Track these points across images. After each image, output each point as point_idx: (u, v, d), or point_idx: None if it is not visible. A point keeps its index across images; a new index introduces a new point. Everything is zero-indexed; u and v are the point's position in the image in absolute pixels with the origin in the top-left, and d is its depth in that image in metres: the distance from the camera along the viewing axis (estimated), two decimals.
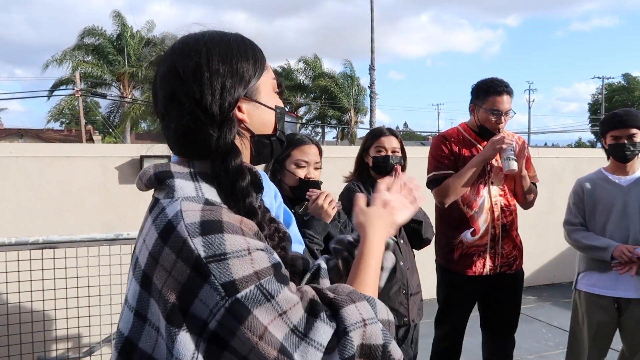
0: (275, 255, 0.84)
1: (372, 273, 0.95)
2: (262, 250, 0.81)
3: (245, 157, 0.95)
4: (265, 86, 0.95)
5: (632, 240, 2.55)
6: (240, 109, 0.91)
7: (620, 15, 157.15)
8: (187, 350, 0.79)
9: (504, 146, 2.55)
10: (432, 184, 2.76)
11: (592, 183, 2.72)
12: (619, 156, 2.62)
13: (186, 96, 0.87)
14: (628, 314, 2.59)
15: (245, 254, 0.78)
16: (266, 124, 0.95)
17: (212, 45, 0.89)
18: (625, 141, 2.58)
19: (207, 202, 0.84)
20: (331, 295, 0.84)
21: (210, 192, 0.87)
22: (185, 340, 0.79)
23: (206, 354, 0.80)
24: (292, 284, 0.83)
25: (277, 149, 1.00)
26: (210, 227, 0.78)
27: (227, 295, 0.76)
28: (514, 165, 2.57)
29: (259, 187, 0.94)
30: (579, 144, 50.93)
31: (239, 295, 0.76)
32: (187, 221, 0.79)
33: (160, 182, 0.88)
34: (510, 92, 2.67)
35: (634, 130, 2.57)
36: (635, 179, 2.64)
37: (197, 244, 0.77)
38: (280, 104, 0.99)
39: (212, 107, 0.87)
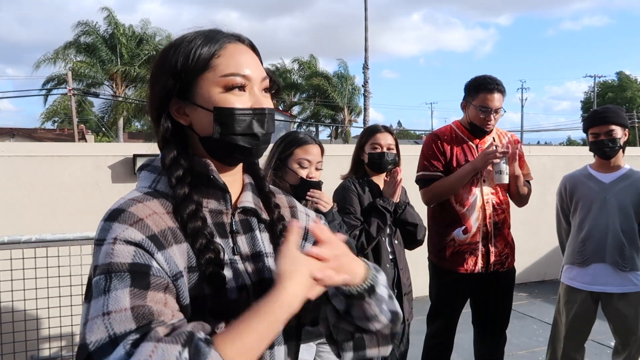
0: (157, 258, 0.82)
1: (252, 335, 0.77)
2: (132, 244, 0.81)
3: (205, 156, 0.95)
4: (206, 86, 0.90)
5: (611, 237, 2.59)
6: (181, 111, 0.93)
7: (610, 14, 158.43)
8: (81, 325, 0.84)
9: (496, 161, 2.56)
10: (419, 182, 2.80)
11: (574, 180, 2.78)
12: (600, 153, 2.66)
13: (147, 97, 0.99)
14: (613, 309, 2.64)
15: (110, 242, 0.81)
16: (204, 125, 0.91)
17: (162, 49, 0.96)
18: (604, 138, 2.61)
19: (148, 193, 0.90)
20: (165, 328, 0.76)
21: (164, 185, 0.92)
22: (83, 312, 0.85)
23: None
24: (158, 295, 0.79)
25: (236, 152, 0.92)
26: (112, 214, 0.85)
27: (92, 277, 0.81)
28: (505, 180, 2.59)
29: (214, 186, 0.93)
30: (570, 142, 51.20)
31: (93, 280, 0.80)
32: (110, 207, 0.87)
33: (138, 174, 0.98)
34: (501, 91, 2.68)
35: (613, 127, 2.59)
36: (619, 176, 2.67)
37: (99, 227, 0.85)
38: (228, 104, 0.90)
39: (151, 108, 0.96)
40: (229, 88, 0.91)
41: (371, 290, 0.94)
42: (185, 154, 0.93)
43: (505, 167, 2.57)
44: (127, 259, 0.79)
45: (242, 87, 0.92)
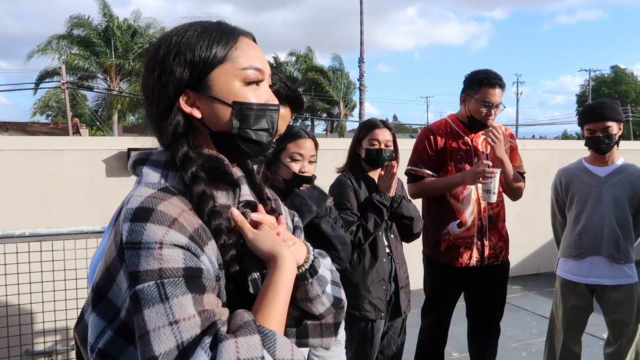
0: (203, 260, 0.81)
1: (280, 305, 0.84)
2: (181, 248, 0.78)
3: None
4: (225, 79, 0.88)
5: (607, 230, 2.61)
6: (190, 103, 0.89)
7: (604, 9, 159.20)
8: (92, 337, 0.82)
9: (483, 181, 2.55)
10: (407, 175, 2.82)
11: (570, 174, 2.79)
12: (595, 149, 2.66)
13: (145, 89, 0.92)
14: (606, 300, 2.67)
15: (155, 247, 0.76)
16: (221, 120, 0.89)
17: (167, 39, 0.90)
18: (600, 135, 2.60)
19: (162, 189, 0.85)
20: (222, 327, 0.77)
21: (175, 180, 0.88)
22: (94, 324, 0.82)
23: (109, 344, 0.81)
24: (211, 297, 0.79)
25: (250, 148, 0.92)
26: (140, 214, 0.79)
27: (130, 284, 0.76)
28: (492, 199, 2.59)
29: (224, 181, 0.92)
30: (565, 136, 51.35)
31: (137, 288, 0.75)
32: (128, 205, 0.81)
33: (135, 168, 0.92)
34: (502, 86, 2.69)
35: (609, 123, 2.58)
36: (613, 169, 2.68)
37: (124, 229, 0.79)
38: (248, 99, 0.89)
39: (158, 100, 0.89)
40: (247, 82, 0.89)
41: (313, 270, 0.97)
42: (195, 149, 0.90)
43: (493, 187, 2.55)
44: (180, 263, 0.77)
45: (258, 82, 0.91)
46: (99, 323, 0.82)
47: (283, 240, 0.91)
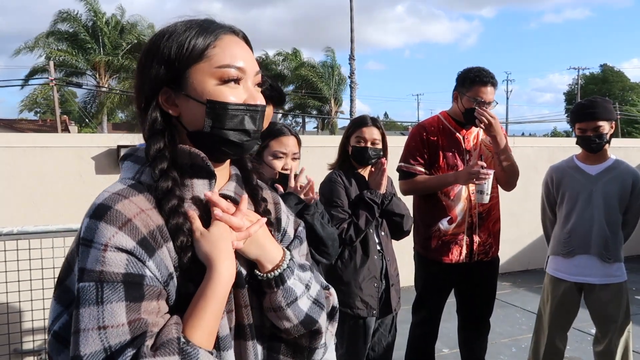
0: (149, 266, 0.80)
1: (210, 317, 0.82)
2: (125, 252, 0.78)
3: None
4: (200, 77, 0.88)
5: (597, 229, 2.62)
6: (171, 102, 0.90)
7: (590, 8, 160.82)
8: (49, 320, 0.87)
9: (477, 182, 2.55)
10: (399, 172, 2.82)
11: (561, 172, 2.79)
12: (586, 148, 2.67)
13: (134, 86, 0.95)
14: (594, 298, 2.69)
15: (100, 248, 0.78)
16: (195, 118, 0.88)
17: (152, 38, 0.92)
18: (591, 134, 2.60)
19: (132, 185, 0.86)
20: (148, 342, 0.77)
21: (149, 176, 0.88)
22: (53, 309, 0.87)
23: (64, 327, 0.84)
24: (151, 305, 0.79)
25: (228, 148, 0.90)
26: (98, 211, 0.81)
27: (78, 279, 0.79)
28: (485, 200, 2.60)
29: (201, 175, 0.91)
30: (555, 134, 51.71)
31: (79, 285, 0.78)
32: (95, 200, 0.84)
33: (122, 162, 0.94)
34: (495, 84, 2.69)
35: (600, 123, 2.58)
36: (605, 168, 2.69)
37: (84, 224, 0.81)
38: (223, 98, 0.87)
39: (138, 96, 0.92)
40: (223, 80, 0.88)
41: (280, 280, 0.92)
42: (171, 146, 0.89)
43: (486, 188, 2.55)
44: (120, 268, 0.77)
45: (236, 80, 0.89)
46: (57, 307, 0.87)
47: (238, 232, 0.89)
